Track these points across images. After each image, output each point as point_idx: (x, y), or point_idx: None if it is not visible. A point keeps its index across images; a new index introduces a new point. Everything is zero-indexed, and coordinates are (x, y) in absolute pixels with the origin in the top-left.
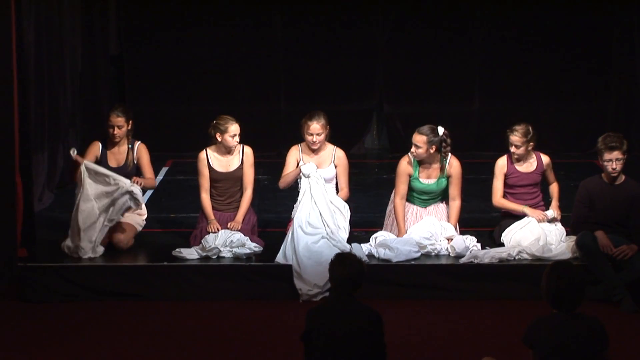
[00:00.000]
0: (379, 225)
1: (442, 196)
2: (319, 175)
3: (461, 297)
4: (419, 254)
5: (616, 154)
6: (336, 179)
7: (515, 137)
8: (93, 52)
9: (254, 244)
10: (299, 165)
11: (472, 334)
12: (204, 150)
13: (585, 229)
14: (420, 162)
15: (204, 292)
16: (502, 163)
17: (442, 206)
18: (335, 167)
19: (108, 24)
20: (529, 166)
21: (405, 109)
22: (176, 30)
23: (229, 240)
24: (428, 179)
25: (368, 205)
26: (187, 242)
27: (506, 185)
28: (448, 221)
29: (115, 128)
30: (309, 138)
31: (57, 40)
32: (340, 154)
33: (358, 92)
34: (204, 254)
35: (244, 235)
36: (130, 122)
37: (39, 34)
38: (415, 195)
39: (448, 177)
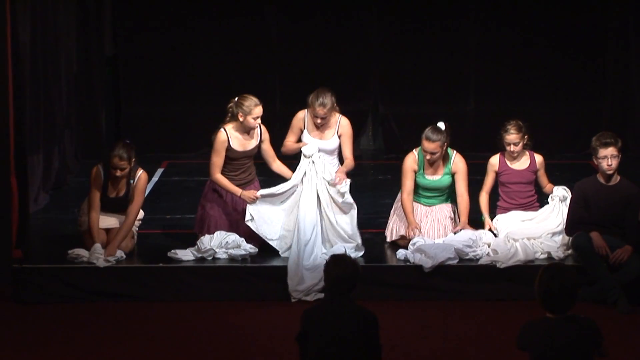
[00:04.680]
0: (374, 226)
1: (447, 195)
2: (320, 156)
3: (457, 298)
4: (456, 260)
5: (611, 150)
6: (340, 149)
7: (512, 136)
8: (88, 53)
9: (249, 245)
10: (302, 139)
11: (468, 335)
12: (222, 129)
13: (580, 230)
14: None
15: (199, 293)
16: (494, 161)
17: (446, 207)
18: (339, 136)
19: (103, 25)
20: (521, 164)
21: (400, 109)
22: (171, 31)
23: (224, 242)
24: (433, 175)
25: (364, 207)
26: (182, 243)
27: (500, 183)
28: (459, 218)
29: (118, 170)
30: (315, 119)
31: (53, 41)
32: (344, 122)
33: (353, 93)
34: (199, 255)
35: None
36: (133, 160)
37: (34, 34)
38: (421, 193)
39: (453, 174)
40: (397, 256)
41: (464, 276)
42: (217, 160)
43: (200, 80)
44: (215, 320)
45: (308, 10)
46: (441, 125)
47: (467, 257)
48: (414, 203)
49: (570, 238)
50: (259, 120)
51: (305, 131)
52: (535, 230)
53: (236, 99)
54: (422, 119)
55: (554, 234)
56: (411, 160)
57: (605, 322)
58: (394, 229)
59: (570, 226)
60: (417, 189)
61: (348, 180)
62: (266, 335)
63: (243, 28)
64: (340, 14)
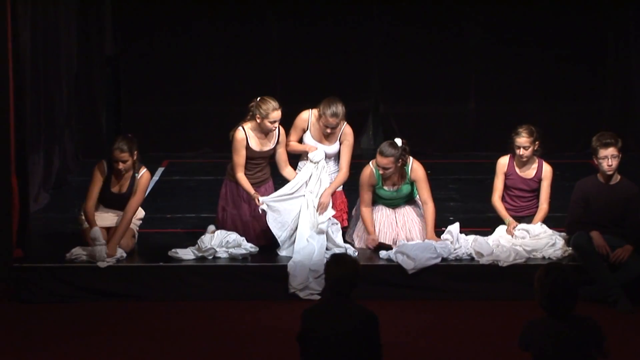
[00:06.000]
0: None
1: (409, 197)
2: (325, 164)
3: (456, 298)
4: (438, 259)
5: (611, 151)
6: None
7: (522, 139)
8: (89, 53)
9: (250, 245)
10: (303, 140)
11: (467, 335)
12: (241, 128)
13: (580, 229)
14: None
15: (199, 293)
16: (503, 162)
17: (409, 208)
18: (340, 143)
19: (104, 25)
20: (529, 173)
21: (401, 109)
22: (171, 31)
23: (225, 241)
24: (393, 186)
25: None
26: (182, 242)
27: (504, 184)
28: (425, 223)
29: (120, 163)
30: (325, 128)
31: (53, 41)
32: (348, 130)
33: (354, 92)
34: (200, 254)
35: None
36: (135, 152)
37: (35, 34)
38: (383, 201)
39: (412, 182)
40: (380, 256)
41: (466, 275)
42: (238, 159)
43: (201, 80)
44: (215, 320)
45: (309, 10)
46: (398, 141)
47: (451, 256)
48: (377, 206)
49: (570, 238)
50: (276, 124)
51: (307, 132)
52: (533, 244)
53: (257, 99)
54: (423, 118)
55: (553, 244)
56: (368, 175)
57: (605, 321)
58: (361, 236)
59: (571, 225)
60: (379, 199)
61: (329, 212)
62: (267, 335)
63: (244, 28)
64: (341, 14)
